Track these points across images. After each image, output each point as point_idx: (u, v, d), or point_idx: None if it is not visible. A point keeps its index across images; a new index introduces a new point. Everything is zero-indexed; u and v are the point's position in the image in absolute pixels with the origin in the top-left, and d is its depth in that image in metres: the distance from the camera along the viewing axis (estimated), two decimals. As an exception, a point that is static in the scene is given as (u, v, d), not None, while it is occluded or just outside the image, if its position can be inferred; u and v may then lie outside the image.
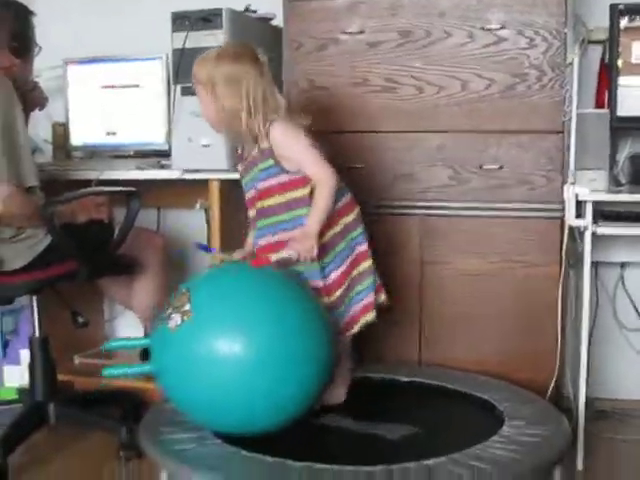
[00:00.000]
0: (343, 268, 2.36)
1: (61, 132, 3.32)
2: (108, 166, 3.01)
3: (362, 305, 2.38)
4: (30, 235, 2.54)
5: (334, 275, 2.35)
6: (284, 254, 2.25)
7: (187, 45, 2.66)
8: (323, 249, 2.30)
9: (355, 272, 2.38)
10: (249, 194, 2.39)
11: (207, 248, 2.80)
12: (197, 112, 2.66)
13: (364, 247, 2.39)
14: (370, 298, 2.38)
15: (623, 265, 2.97)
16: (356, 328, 2.38)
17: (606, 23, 2.76)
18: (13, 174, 2.47)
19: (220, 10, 2.64)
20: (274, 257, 2.25)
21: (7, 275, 2.55)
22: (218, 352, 2.03)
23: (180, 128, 2.74)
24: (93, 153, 3.34)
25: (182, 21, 2.67)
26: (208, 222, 3.22)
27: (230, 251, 2.45)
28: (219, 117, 2.30)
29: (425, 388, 2.61)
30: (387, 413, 2.40)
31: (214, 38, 2.64)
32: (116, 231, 2.70)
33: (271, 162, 2.30)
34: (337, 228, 2.35)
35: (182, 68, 2.67)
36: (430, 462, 1.99)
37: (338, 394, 2.43)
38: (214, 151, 2.69)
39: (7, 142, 2.47)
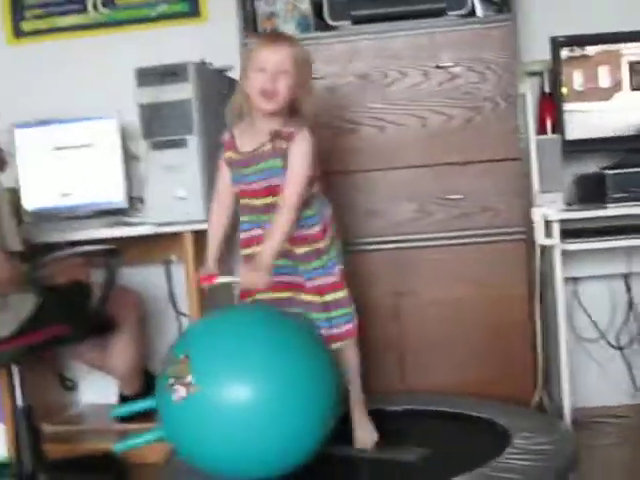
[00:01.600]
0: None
1: (12, 198, 3.23)
2: (68, 227, 2.96)
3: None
4: (12, 304, 2.46)
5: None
6: (231, 279, 2.37)
7: (154, 100, 2.68)
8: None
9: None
10: (254, 186, 2.36)
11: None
12: (170, 166, 2.71)
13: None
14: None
15: (577, 280, 3.13)
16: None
17: (542, 56, 2.97)
18: None
19: (185, 64, 2.68)
20: (221, 279, 2.33)
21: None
22: (228, 418, 2.04)
23: (153, 182, 2.74)
24: (46, 216, 3.24)
25: (147, 77, 2.68)
26: (169, 278, 3.26)
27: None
28: (288, 94, 2.30)
29: (421, 414, 2.68)
30: (394, 439, 2.45)
31: (181, 91, 2.67)
32: (95, 291, 2.66)
33: (281, 162, 2.31)
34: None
35: (152, 123, 2.69)
36: (458, 479, 2.07)
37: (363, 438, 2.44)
38: (190, 203, 2.70)
39: None
